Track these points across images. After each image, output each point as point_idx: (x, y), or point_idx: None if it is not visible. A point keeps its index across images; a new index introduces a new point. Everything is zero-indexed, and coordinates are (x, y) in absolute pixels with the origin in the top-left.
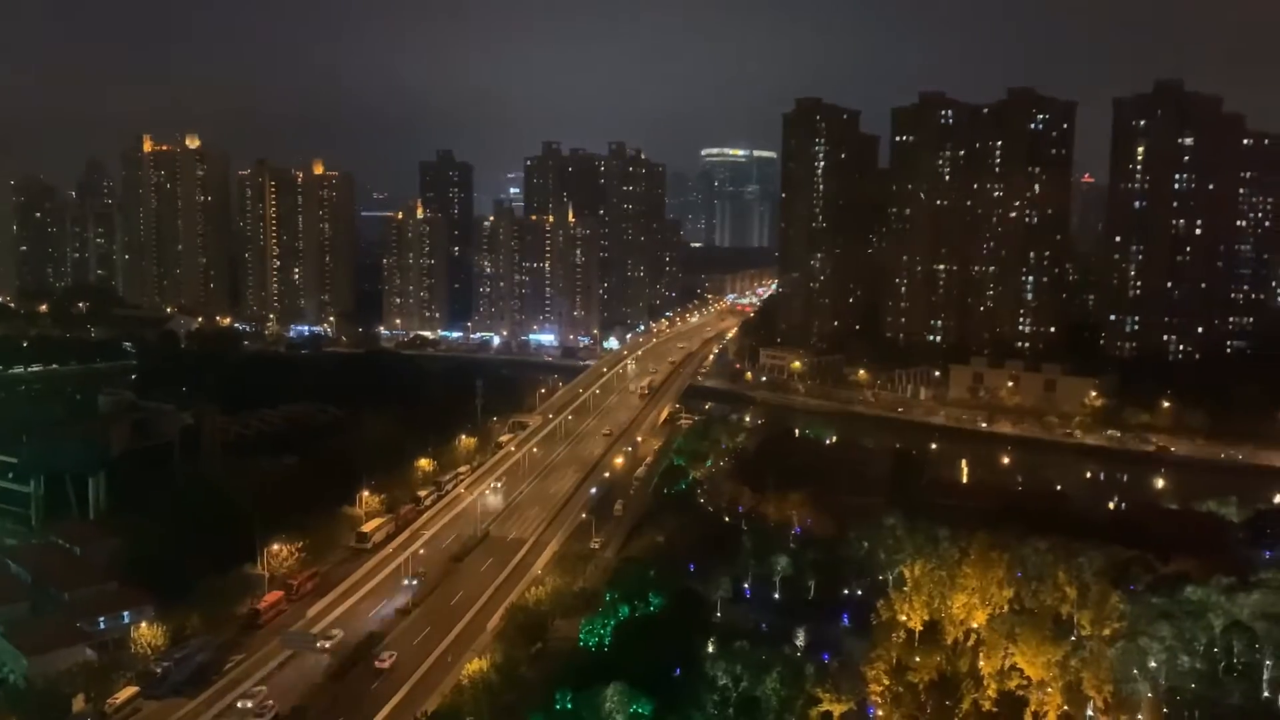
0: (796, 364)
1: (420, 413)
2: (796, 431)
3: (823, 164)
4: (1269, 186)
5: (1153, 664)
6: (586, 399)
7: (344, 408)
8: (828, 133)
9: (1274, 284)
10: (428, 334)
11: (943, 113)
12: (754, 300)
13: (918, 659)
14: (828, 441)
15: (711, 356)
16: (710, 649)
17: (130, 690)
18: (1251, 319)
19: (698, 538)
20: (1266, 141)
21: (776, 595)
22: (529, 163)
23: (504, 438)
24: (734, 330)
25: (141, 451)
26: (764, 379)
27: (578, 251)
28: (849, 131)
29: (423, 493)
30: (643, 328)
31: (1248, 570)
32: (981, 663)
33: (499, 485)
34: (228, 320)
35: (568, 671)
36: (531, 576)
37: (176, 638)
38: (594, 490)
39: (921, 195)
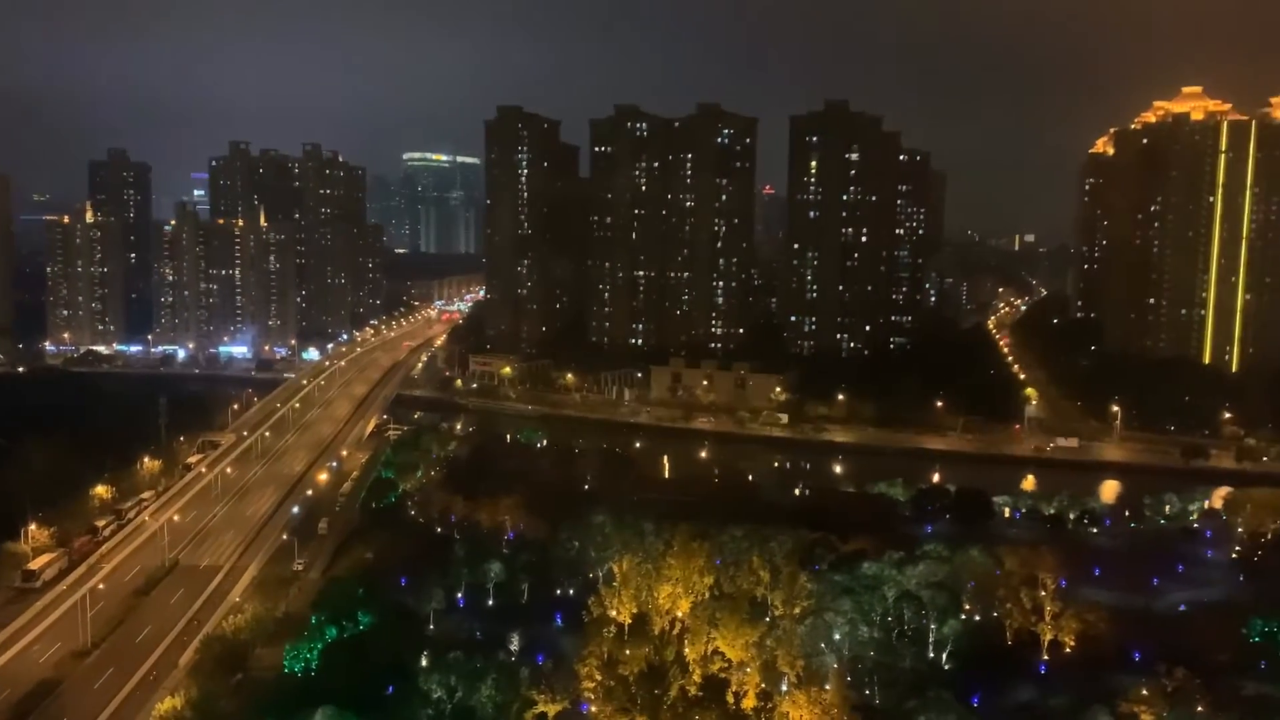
0: (506, 369)
1: (96, 436)
2: (508, 437)
3: (526, 171)
4: (920, 198)
5: (837, 636)
6: (285, 413)
7: (2, 434)
8: (530, 141)
9: (927, 286)
10: (102, 349)
11: (637, 125)
12: (462, 307)
13: (627, 652)
14: (539, 445)
15: (420, 365)
16: (424, 662)
17: None
18: (910, 318)
19: (409, 551)
20: (918, 158)
21: (490, 602)
22: (214, 163)
23: (193, 458)
24: (442, 338)
25: None
26: (474, 386)
27: (271, 258)
28: (550, 140)
29: (101, 522)
30: (345, 337)
31: (914, 544)
32: (687, 650)
33: (189, 510)
34: None
35: (272, 700)
36: (229, 604)
37: None
38: (296, 509)
39: (620, 204)
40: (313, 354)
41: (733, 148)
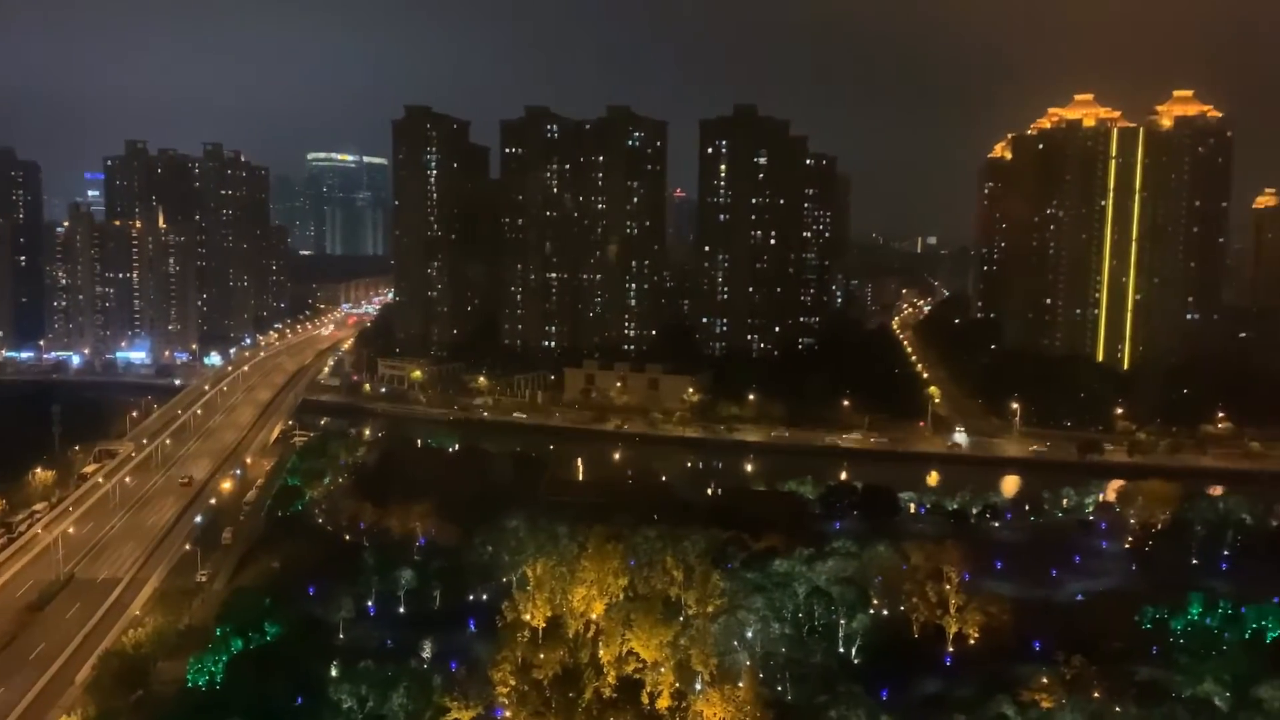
0: (417, 373)
1: None
2: (419, 442)
3: (435, 172)
4: (826, 201)
5: (749, 634)
6: (187, 420)
7: None
8: (439, 141)
9: (834, 288)
10: None
11: (548, 127)
12: (370, 310)
13: (542, 655)
14: (451, 450)
15: (327, 369)
16: (334, 672)
17: None
18: (817, 319)
19: (317, 559)
20: (824, 161)
21: (402, 609)
22: (110, 163)
23: (89, 468)
24: (350, 341)
25: None
26: (384, 390)
27: (171, 260)
28: (460, 141)
29: None
30: (250, 341)
31: (823, 541)
32: (601, 651)
33: (86, 521)
34: None
35: (175, 716)
36: (129, 618)
37: None
38: (199, 519)
39: (532, 206)
40: (215, 359)
41: (643, 150)
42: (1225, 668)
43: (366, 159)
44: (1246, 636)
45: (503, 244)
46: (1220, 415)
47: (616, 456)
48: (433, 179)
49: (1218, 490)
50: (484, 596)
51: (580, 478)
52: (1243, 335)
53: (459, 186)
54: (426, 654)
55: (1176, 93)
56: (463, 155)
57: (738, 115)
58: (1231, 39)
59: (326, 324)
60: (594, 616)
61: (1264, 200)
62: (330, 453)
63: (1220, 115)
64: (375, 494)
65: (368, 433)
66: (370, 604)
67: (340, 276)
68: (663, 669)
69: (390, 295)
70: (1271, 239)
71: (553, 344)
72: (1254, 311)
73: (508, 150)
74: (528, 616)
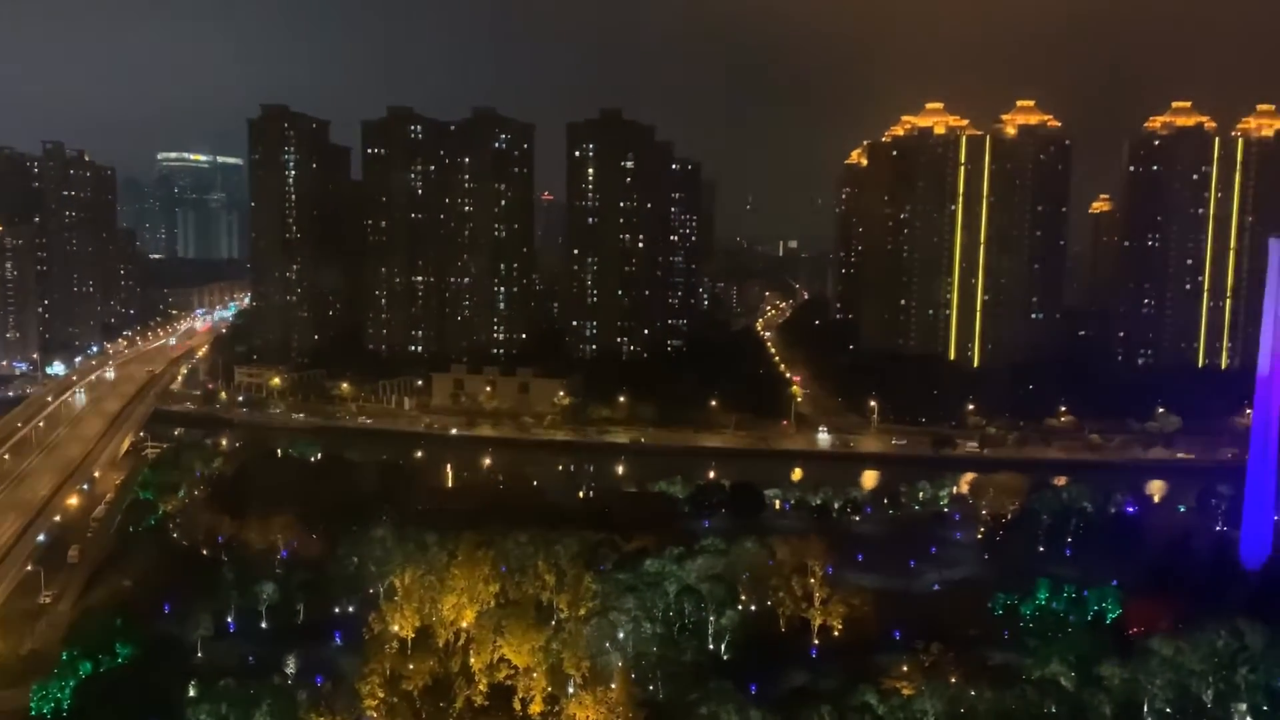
0: (276, 380)
1: None
2: (280, 451)
3: (294, 173)
4: (692, 205)
5: (621, 634)
6: (28, 434)
7: None
8: (297, 141)
9: (701, 291)
10: None
11: (412, 128)
12: (226, 315)
13: (411, 666)
14: (313, 459)
15: (180, 377)
16: (192, 693)
17: None
18: (685, 321)
19: (172, 576)
20: (690, 166)
21: (264, 625)
22: None
23: None
24: (205, 348)
25: None
26: (241, 398)
27: (8, 265)
28: (319, 141)
29: None
30: (96, 350)
31: (693, 539)
32: (473, 659)
33: None
34: None
35: None
36: None
37: None
38: (41, 537)
39: (396, 208)
40: (59, 368)
41: (510, 153)
42: (1070, 649)
43: (221, 159)
44: (1089, 619)
45: (366, 247)
46: (1063, 409)
47: (487, 462)
48: (291, 180)
49: (1062, 481)
50: (350, 609)
51: (450, 485)
52: (1082, 334)
53: (319, 188)
54: (290, 670)
55: (1019, 102)
56: (323, 156)
57: (604, 119)
58: (1070, 52)
59: (180, 330)
60: (465, 625)
61: (1099, 205)
62: (185, 464)
63: (1059, 125)
64: (234, 506)
65: (225, 443)
66: (230, 620)
67: (194, 281)
68: (535, 674)
69: (247, 300)
70: (1107, 242)
71: (419, 348)
72: (1092, 311)
73: (370, 151)
74: (396, 627)
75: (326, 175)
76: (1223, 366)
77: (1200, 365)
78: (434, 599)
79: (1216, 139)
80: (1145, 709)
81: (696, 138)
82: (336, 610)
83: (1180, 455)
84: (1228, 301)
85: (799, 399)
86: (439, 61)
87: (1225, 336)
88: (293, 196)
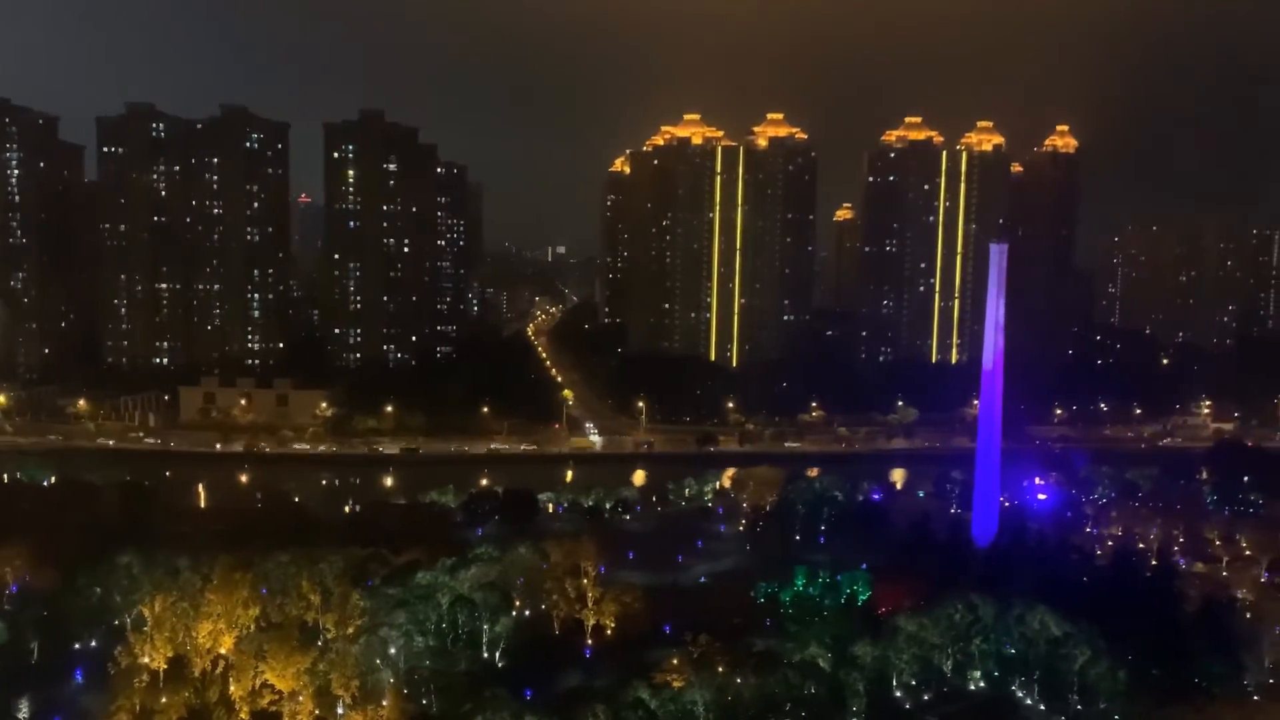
0: (1, 400)
1: None
2: (6, 477)
3: (17, 172)
4: (459, 210)
5: (393, 650)
6: None
7: None
8: (21, 137)
9: (470, 296)
10: None
11: (154, 125)
12: None
13: (164, 699)
14: (46, 484)
15: None
16: None
17: None
18: (454, 327)
19: None
20: (455, 170)
21: None
22: None
23: None
24: None
25: None
26: None
27: None
28: (47, 137)
29: None
30: None
31: (466, 548)
32: (232, 688)
33: None
34: None
35: None
36: None
37: None
38: None
39: (137, 211)
40: None
41: (263, 153)
42: (826, 631)
43: None
44: (843, 601)
45: (104, 252)
46: (814, 405)
47: (244, 479)
48: (14, 179)
49: (814, 472)
50: (93, 643)
51: (203, 505)
52: (830, 333)
53: (48, 188)
54: (23, 715)
55: (770, 115)
56: (50, 153)
57: (364, 120)
58: (817, 67)
59: None
60: (223, 651)
61: (842, 214)
62: None
63: (805, 137)
64: None
65: None
66: None
67: None
68: (301, 697)
69: None
70: (850, 248)
71: (166, 361)
72: (839, 312)
73: (106, 149)
74: (146, 659)
75: (56, 175)
76: (954, 361)
77: (934, 360)
78: (188, 627)
79: (944, 152)
80: (894, 682)
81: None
82: (77, 646)
83: (919, 444)
84: (956, 302)
85: (570, 402)
86: (187, 57)
87: (955, 334)
88: (16, 198)
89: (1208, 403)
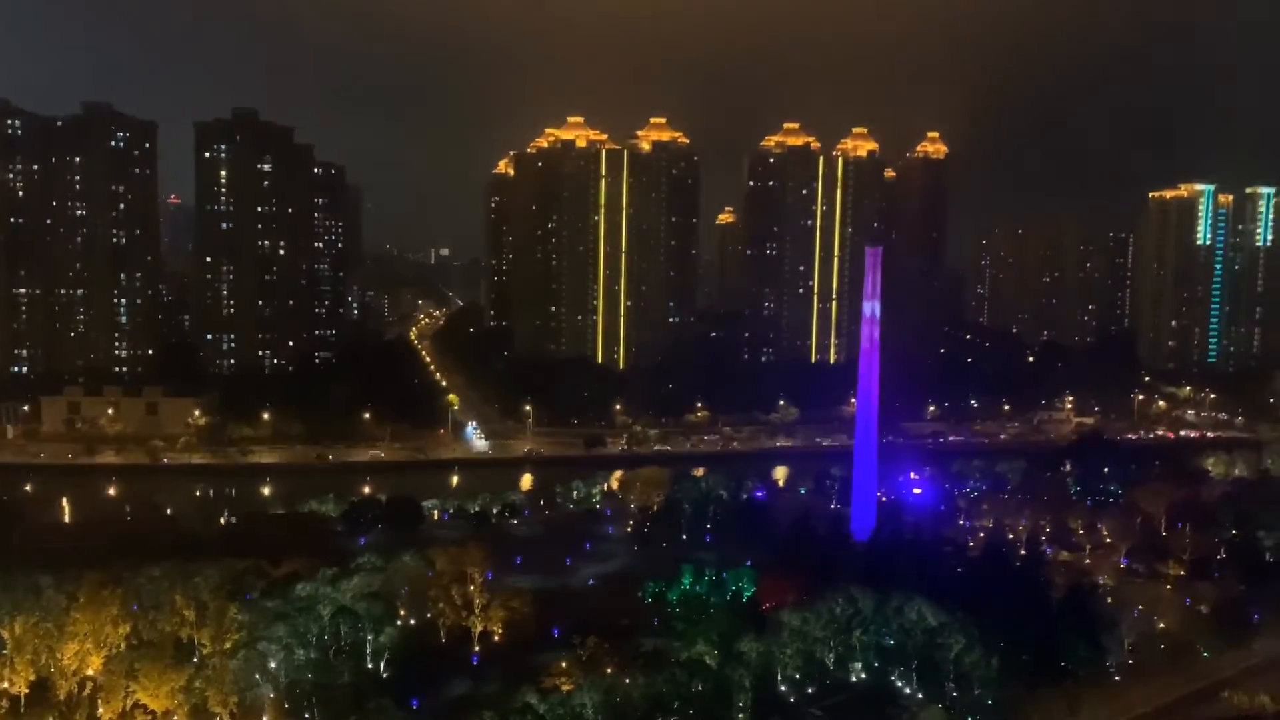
0: None
1: None
2: None
3: None
4: (337, 211)
5: (273, 664)
6: None
7: None
8: None
9: (350, 299)
10: None
11: (9, 122)
12: None
13: None
14: None
15: None
16: None
17: None
18: (334, 331)
19: None
20: (333, 170)
21: None
22: None
23: None
24: None
25: None
26: None
27: None
28: None
29: None
30: None
31: (349, 558)
32: (101, 709)
33: None
34: None
35: None
36: None
37: None
38: None
39: None
40: None
41: (129, 152)
42: (713, 629)
43: None
44: (729, 598)
45: None
46: (699, 405)
47: (111, 492)
48: None
49: (700, 472)
50: None
51: (67, 520)
52: (714, 335)
53: None
54: None
55: (653, 119)
56: None
57: (237, 119)
58: (699, 72)
59: None
60: (90, 672)
61: (725, 217)
62: None
63: (688, 141)
64: None
65: None
66: None
67: None
68: (176, 716)
69: None
70: (732, 250)
71: (25, 369)
72: (723, 314)
73: None
74: (6, 684)
75: None
76: (833, 361)
77: (814, 360)
78: (51, 648)
79: (821, 158)
80: (779, 677)
81: (341, 142)
82: None
83: (800, 443)
84: (834, 303)
85: (455, 406)
86: (49, 53)
87: (834, 334)
88: None
89: (1070, 399)
